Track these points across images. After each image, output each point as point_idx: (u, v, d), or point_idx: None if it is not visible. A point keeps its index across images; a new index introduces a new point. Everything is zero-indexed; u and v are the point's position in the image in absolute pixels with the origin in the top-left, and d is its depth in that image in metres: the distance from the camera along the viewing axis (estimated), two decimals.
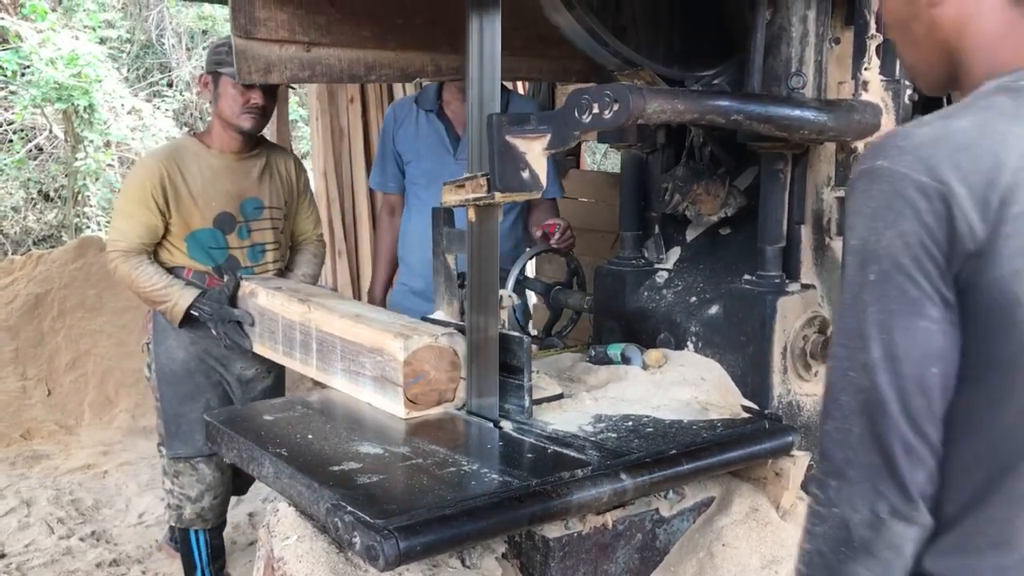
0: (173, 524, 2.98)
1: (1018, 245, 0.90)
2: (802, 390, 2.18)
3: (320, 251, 3.13)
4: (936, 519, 0.98)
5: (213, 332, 2.70)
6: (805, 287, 2.20)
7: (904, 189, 0.93)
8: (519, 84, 4.84)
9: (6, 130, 8.99)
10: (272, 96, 2.77)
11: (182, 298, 2.72)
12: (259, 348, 2.58)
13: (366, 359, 2.06)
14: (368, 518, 1.47)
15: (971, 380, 0.95)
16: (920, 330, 0.93)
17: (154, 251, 2.80)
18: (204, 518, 2.90)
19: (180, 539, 3.01)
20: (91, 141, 8.55)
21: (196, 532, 2.94)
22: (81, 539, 3.61)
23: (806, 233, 2.21)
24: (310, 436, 1.89)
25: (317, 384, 2.40)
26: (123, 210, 2.77)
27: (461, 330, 2.06)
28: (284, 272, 3.02)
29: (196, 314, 2.72)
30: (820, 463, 1.01)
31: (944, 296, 0.93)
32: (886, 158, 0.95)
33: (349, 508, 1.51)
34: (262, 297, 2.53)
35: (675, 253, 2.55)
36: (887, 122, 1.96)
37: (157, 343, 2.89)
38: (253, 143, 2.86)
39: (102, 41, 9.04)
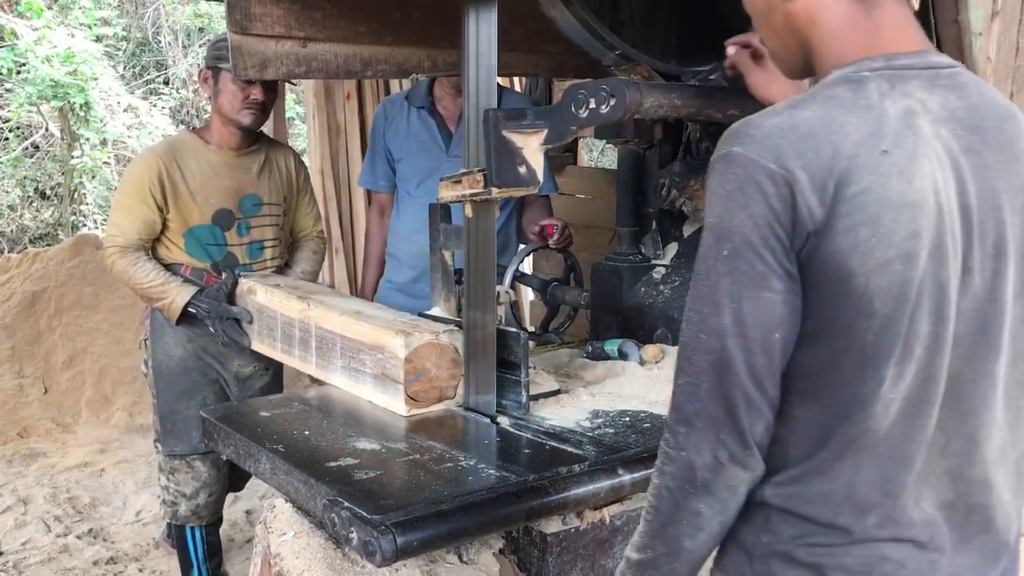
0: (169, 520, 2.97)
1: (851, 223, 1.02)
2: None
3: (320, 248, 3.11)
4: (783, 461, 1.11)
5: (211, 330, 2.68)
6: None
7: (755, 175, 1.03)
8: (516, 80, 4.84)
9: (2, 128, 8.97)
10: (272, 92, 2.75)
11: (179, 295, 2.70)
12: (257, 345, 2.57)
13: (366, 356, 2.05)
14: (365, 514, 1.47)
15: (816, 341, 1.07)
16: (765, 300, 1.04)
17: (152, 247, 2.78)
18: (199, 515, 2.90)
19: (176, 536, 3.00)
20: (87, 139, 8.53)
21: (192, 529, 2.93)
22: (78, 537, 3.61)
23: None
24: (307, 432, 1.89)
25: (315, 381, 2.39)
26: (121, 205, 2.75)
27: (459, 326, 2.06)
28: (283, 269, 3.00)
29: (193, 311, 2.71)
30: (671, 412, 1.12)
31: (787, 270, 1.04)
32: (740, 145, 1.05)
33: (346, 504, 1.51)
34: (260, 294, 2.51)
35: (672, 249, 2.55)
36: None
37: (154, 340, 2.88)
38: (252, 139, 2.84)
39: (98, 39, 9.01)
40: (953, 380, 1.11)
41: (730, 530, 1.16)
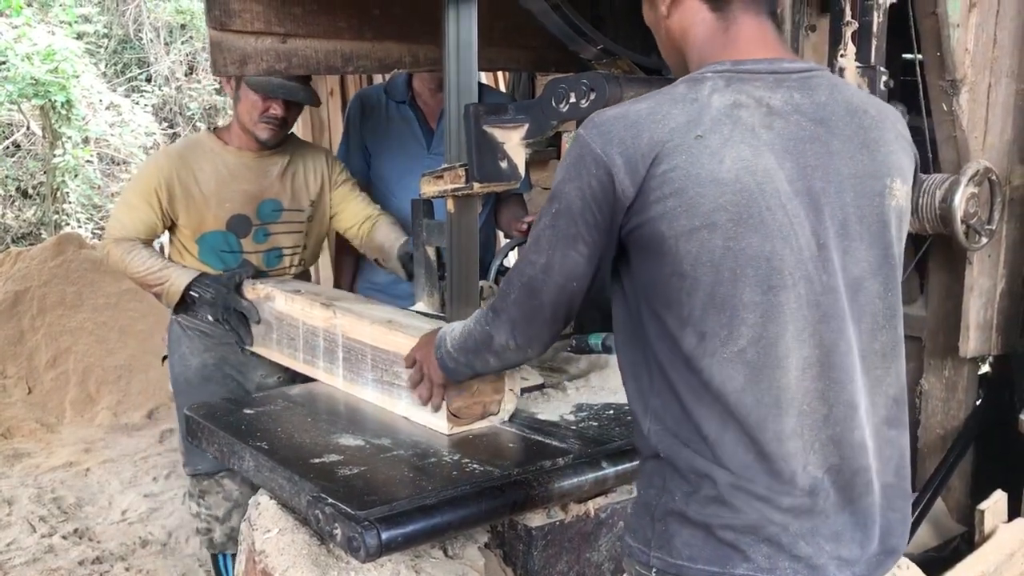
0: (207, 550, 2.76)
1: (661, 195, 1.18)
2: None
3: (395, 220, 2.80)
4: (654, 411, 1.27)
5: (210, 317, 2.50)
6: None
7: (586, 156, 1.23)
8: (499, 74, 4.83)
9: None
10: (295, 107, 2.59)
11: (179, 278, 2.51)
12: (278, 356, 2.39)
13: (402, 369, 1.90)
14: (349, 509, 1.47)
15: (648, 295, 1.24)
16: (570, 257, 1.28)
17: (168, 255, 2.65)
18: (236, 539, 2.69)
19: (212, 565, 2.82)
20: (69, 137, 8.47)
21: (225, 556, 2.74)
22: (63, 537, 3.59)
23: None
24: (291, 429, 1.89)
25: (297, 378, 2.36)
26: (126, 201, 2.62)
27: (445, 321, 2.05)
28: (306, 275, 2.82)
29: (196, 295, 2.51)
30: (494, 298, 1.44)
31: (594, 239, 1.25)
32: (585, 129, 1.25)
33: (330, 500, 1.51)
34: (280, 301, 2.34)
35: None
36: None
37: (171, 351, 2.74)
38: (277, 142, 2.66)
39: (79, 36, 8.95)
40: (829, 352, 1.22)
41: (637, 494, 1.35)
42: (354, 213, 2.79)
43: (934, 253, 2.54)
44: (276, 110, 2.52)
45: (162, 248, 2.77)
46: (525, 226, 2.80)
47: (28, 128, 8.90)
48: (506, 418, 1.91)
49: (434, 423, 1.85)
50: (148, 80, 10.16)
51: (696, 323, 1.20)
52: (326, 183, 2.77)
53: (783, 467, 1.20)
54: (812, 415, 1.22)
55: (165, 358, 2.82)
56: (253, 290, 2.46)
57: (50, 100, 8.21)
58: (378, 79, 4.79)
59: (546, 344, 1.43)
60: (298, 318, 2.26)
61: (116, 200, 2.77)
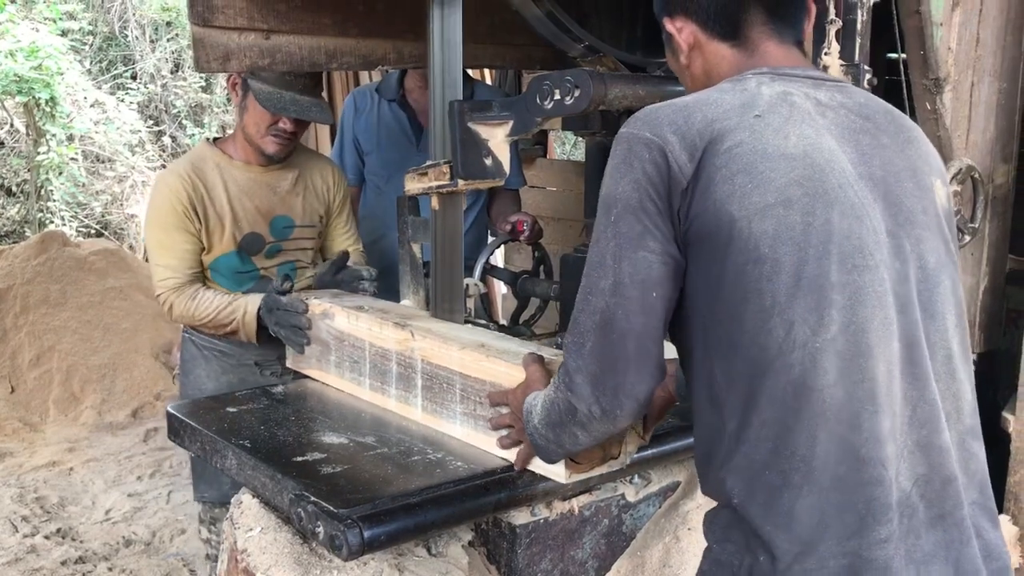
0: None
1: (728, 173, 1.11)
2: None
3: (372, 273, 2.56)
4: (724, 441, 1.15)
5: (271, 331, 2.30)
6: None
7: (634, 145, 1.16)
8: (486, 72, 4.83)
9: None
10: (304, 122, 2.44)
11: (250, 303, 2.33)
12: (336, 380, 2.14)
13: (503, 405, 1.69)
14: (331, 508, 1.47)
15: (713, 298, 1.13)
16: (641, 260, 1.13)
17: None
18: None
19: None
20: (53, 135, 8.41)
21: None
22: (46, 537, 3.57)
23: None
24: (274, 427, 1.88)
25: (302, 376, 2.29)
26: (159, 242, 2.39)
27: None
28: None
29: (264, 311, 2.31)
30: (563, 362, 1.23)
31: (663, 232, 1.14)
32: (627, 126, 1.19)
33: (312, 498, 1.51)
34: (340, 319, 2.10)
35: None
36: None
37: (185, 372, 2.60)
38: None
39: (63, 33, 8.88)
40: (910, 346, 1.14)
41: (709, 546, 1.21)
42: (337, 246, 2.67)
43: None
44: (286, 124, 2.38)
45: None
46: (509, 226, 2.80)
47: (12, 125, 8.81)
48: (627, 462, 1.63)
49: (550, 470, 1.61)
50: (133, 77, 10.08)
51: (782, 311, 1.09)
52: (331, 202, 2.64)
53: (882, 474, 1.09)
54: (900, 416, 1.12)
55: (176, 375, 2.76)
56: (308, 306, 2.24)
57: (34, 97, 8.13)
58: (363, 76, 4.79)
59: (638, 400, 1.17)
60: (364, 339, 2.02)
61: (147, 247, 2.50)
